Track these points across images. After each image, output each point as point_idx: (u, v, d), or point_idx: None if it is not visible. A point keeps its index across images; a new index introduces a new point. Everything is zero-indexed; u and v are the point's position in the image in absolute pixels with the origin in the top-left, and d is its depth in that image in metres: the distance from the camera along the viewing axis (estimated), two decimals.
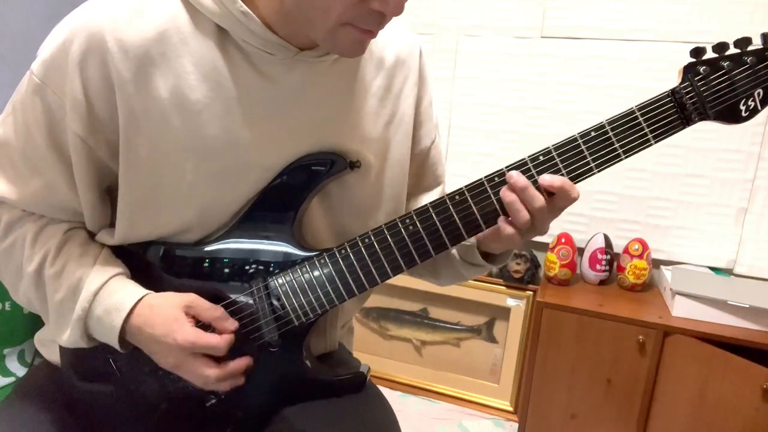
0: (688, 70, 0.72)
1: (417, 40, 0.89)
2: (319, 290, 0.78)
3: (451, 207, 0.76)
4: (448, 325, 2.20)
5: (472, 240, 0.82)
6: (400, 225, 0.77)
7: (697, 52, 0.72)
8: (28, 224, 0.79)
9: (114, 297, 0.75)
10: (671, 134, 0.73)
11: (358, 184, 0.83)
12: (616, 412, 1.78)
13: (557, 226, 2.05)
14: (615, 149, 0.73)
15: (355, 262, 0.78)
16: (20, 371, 1.08)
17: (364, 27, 0.68)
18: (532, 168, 0.74)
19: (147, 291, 0.77)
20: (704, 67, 0.72)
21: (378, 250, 0.77)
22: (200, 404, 0.81)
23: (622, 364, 1.74)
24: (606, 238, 1.95)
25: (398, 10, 0.67)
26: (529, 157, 0.74)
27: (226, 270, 0.79)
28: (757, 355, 1.55)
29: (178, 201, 0.76)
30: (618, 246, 1.96)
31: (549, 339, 1.82)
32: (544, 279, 2.01)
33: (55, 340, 0.86)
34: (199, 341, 0.72)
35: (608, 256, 1.94)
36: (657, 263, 1.96)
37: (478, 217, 0.76)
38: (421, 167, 0.93)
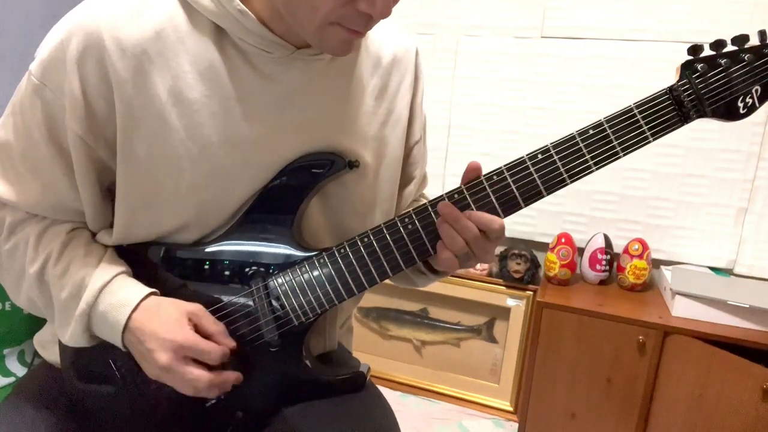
0: (686, 68, 0.72)
1: (413, 41, 0.90)
2: (318, 290, 0.78)
3: (452, 204, 0.76)
4: (448, 325, 2.20)
5: None
6: (399, 224, 0.77)
7: (694, 49, 0.72)
8: (30, 226, 0.79)
9: (119, 293, 0.75)
10: (669, 132, 0.73)
11: (357, 184, 0.83)
12: (616, 412, 1.78)
13: (557, 226, 2.05)
14: (613, 147, 0.73)
15: (354, 262, 0.78)
16: (20, 371, 1.08)
17: (351, 27, 0.68)
18: (508, 177, 0.75)
19: (152, 289, 0.77)
20: (702, 65, 0.72)
21: (377, 249, 0.77)
22: (200, 404, 0.81)
23: (622, 364, 1.74)
24: (606, 238, 1.95)
25: (385, 12, 0.67)
26: (527, 155, 0.74)
27: (226, 270, 0.79)
28: (757, 355, 1.55)
29: (177, 199, 0.76)
30: (618, 246, 1.96)
31: (549, 339, 1.82)
32: (544, 279, 2.01)
33: (55, 341, 0.86)
34: (197, 344, 0.73)
35: (608, 256, 1.94)
36: (657, 263, 1.96)
37: None
38: (402, 164, 0.93)
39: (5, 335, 1.06)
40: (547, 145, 0.74)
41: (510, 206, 0.75)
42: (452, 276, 2.10)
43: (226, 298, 0.78)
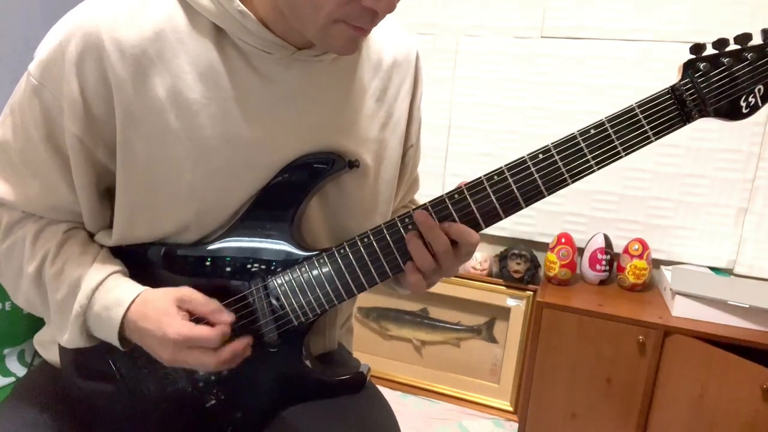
0: (688, 67, 0.72)
1: (414, 43, 0.89)
2: (318, 290, 0.78)
3: (450, 206, 0.76)
4: (448, 325, 2.20)
5: None
6: (399, 224, 0.77)
7: (697, 48, 0.72)
8: (28, 225, 0.79)
9: (112, 293, 0.75)
10: (671, 131, 0.73)
11: (357, 186, 0.83)
12: (616, 412, 1.78)
13: (557, 226, 2.05)
14: (615, 147, 0.73)
15: (354, 262, 0.78)
16: (20, 371, 1.08)
17: (356, 24, 0.68)
18: (509, 177, 0.74)
19: (144, 287, 0.76)
20: (704, 64, 0.72)
21: (377, 249, 0.77)
22: (200, 405, 0.81)
23: (622, 364, 1.74)
24: (606, 238, 1.95)
25: (390, 7, 0.66)
26: (528, 155, 0.74)
27: (226, 270, 0.79)
28: (757, 355, 1.55)
29: (176, 201, 0.76)
30: (618, 246, 1.96)
31: (549, 339, 1.82)
32: (544, 279, 2.01)
33: (55, 341, 0.86)
34: (190, 334, 0.70)
35: (608, 256, 1.94)
36: (657, 263, 1.96)
37: (478, 215, 0.75)
38: None
39: (5, 335, 1.06)
40: (548, 145, 0.74)
41: (511, 206, 0.75)
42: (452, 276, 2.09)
43: (225, 299, 0.78)
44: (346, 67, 0.81)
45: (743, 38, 0.71)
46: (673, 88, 0.72)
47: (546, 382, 1.85)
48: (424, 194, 1.04)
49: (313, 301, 0.78)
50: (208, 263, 0.79)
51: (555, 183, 0.74)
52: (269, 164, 0.78)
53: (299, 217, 0.81)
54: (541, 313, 1.82)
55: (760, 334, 1.62)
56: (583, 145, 0.73)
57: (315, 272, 0.78)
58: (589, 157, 0.73)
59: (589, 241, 1.97)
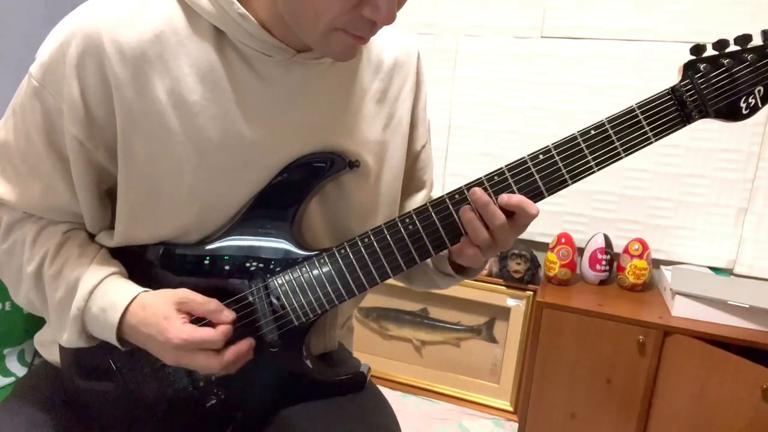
0: (689, 68, 0.72)
1: (415, 43, 0.89)
2: (318, 290, 0.78)
3: (450, 206, 0.76)
4: (448, 325, 2.20)
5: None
6: (400, 224, 0.77)
7: (697, 49, 0.72)
8: (27, 225, 0.79)
9: (109, 296, 0.75)
10: (671, 132, 0.73)
11: (357, 187, 0.83)
12: (616, 412, 1.78)
13: (557, 226, 2.05)
14: (615, 147, 0.73)
15: (354, 262, 0.78)
16: (20, 371, 1.08)
17: (356, 33, 0.68)
18: (509, 177, 0.74)
19: (142, 289, 0.76)
20: (704, 65, 0.72)
21: (378, 249, 0.77)
22: (200, 404, 0.81)
23: (622, 364, 1.74)
24: (606, 238, 1.95)
25: (390, 18, 0.66)
26: (528, 156, 0.74)
27: (226, 269, 0.79)
28: (757, 355, 1.55)
29: (177, 203, 0.76)
30: (618, 246, 1.96)
31: (549, 339, 1.82)
32: (544, 279, 2.01)
33: (55, 341, 0.86)
34: (192, 338, 0.71)
35: (608, 256, 1.94)
36: (657, 263, 1.96)
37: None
38: (410, 170, 0.93)
39: (5, 335, 1.06)
40: (548, 146, 0.74)
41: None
42: None
43: (225, 298, 0.78)
44: (347, 69, 0.81)
45: (743, 39, 0.71)
46: (673, 89, 0.72)
47: (546, 382, 1.85)
48: None
49: (313, 301, 0.78)
50: (208, 263, 0.79)
51: (555, 183, 0.74)
52: (269, 166, 0.78)
53: (299, 217, 0.81)
54: (541, 313, 1.82)
55: (760, 334, 1.62)
56: (583, 145, 0.73)
57: (315, 272, 0.78)
58: (590, 157, 0.73)
59: (589, 241, 1.97)
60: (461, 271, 0.86)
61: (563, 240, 1.95)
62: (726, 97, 0.72)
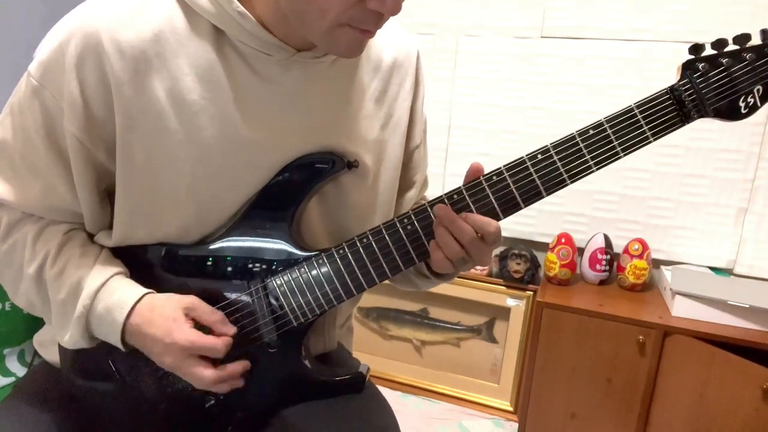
0: (687, 67, 0.72)
1: (415, 43, 0.89)
2: (317, 290, 0.78)
3: (450, 206, 0.76)
4: (448, 325, 2.20)
5: None
6: (398, 225, 0.77)
7: (695, 48, 0.72)
8: (28, 226, 0.79)
9: (115, 295, 0.75)
10: (670, 131, 0.73)
11: (356, 187, 0.83)
12: (616, 412, 1.78)
13: (557, 226, 2.05)
14: (614, 147, 0.73)
15: (353, 262, 0.78)
16: (20, 371, 1.08)
17: (362, 27, 0.68)
18: (508, 177, 0.74)
19: (147, 290, 0.77)
20: (703, 64, 0.72)
21: (376, 250, 0.77)
22: (200, 405, 0.81)
23: (622, 364, 1.74)
24: (606, 238, 1.95)
25: (396, 9, 0.66)
26: (527, 155, 0.74)
27: (225, 269, 0.79)
28: (757, 355, 1.55)
29: (176, 202, 0.76)
30: (618, 246, 1.96)
31: (549, 339, 1.82)
32: (544, 279, 2.01)
33: (55, 341, 0.86)
34: (197, 342, 0.72)
35: (608, 256, 1.94)
36: (657, 263, 1.96)
37: None
38: (403, 169, 0.92)
39: (5, 335, 1.06)
40: (546, 146, 0.74)
41: (509, 207, 0.75)
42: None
43: (224, 299, 0.78)
44: (346, 69, 0.81)
45: (742, 39, 0.71)
46: (671, 89, 0.72)
47: (546, 382, 1.85)
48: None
49: (312, 301, 0.78)
50: (207, 263, 0.79)
51: (554, 183, 0.74)
52: (268, 165, 0.78)
53: (298, 217, 0.81)
54: (541, 313, 1.82)
55: (760, 334, 1.62)
56: (582, 145, 0.73)
57: (314, 272, 0.78)
58: (588, 157, 0.73)
59: (589, 241, 1.97)
60: (438, 274, 0.86)
61: (563, 240, 1.95)
62: (725, 96, 0.71)
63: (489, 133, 2.09)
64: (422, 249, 0.77)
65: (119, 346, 0.75)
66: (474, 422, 2.07)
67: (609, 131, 0.72)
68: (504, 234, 2.10)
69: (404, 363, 2.27)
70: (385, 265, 0.77)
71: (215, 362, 0.75)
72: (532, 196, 0.75)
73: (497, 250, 2.11)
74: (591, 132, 0.73)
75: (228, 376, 0.75)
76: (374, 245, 0.77)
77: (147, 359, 0.76)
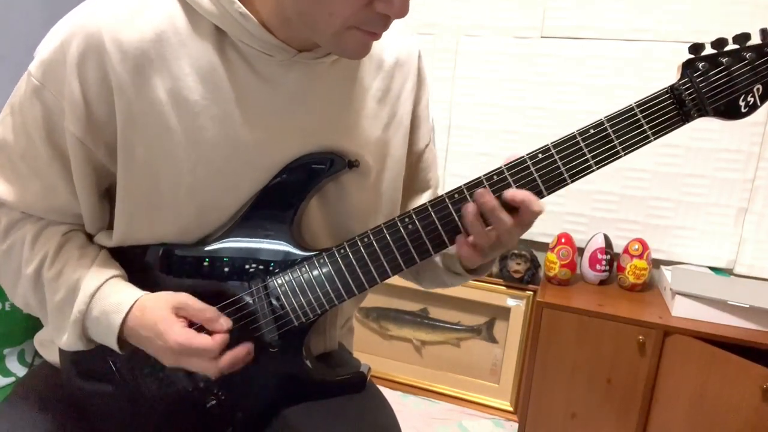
0: (687, 66, 0.72)
1: (416, 42, 0.89)
2: (318, 290, 0.78)
3: (450, 206, 0.76)
4: (448, 325, 2.20)
5: (453, 250, 0.81)
6: (399, 224, 0.77)
7: (695, 48, 0.72)
8: (27, 226, 0.79)
9: (111, 299, 0.75)
10: (670, 131, 0.73)
11: (357, 186, 0.83)
12: (616, 412, 1.78)
13: (557, 226, 2.05)
14: (614, 146, 0.73)
15: (354, 262, 0.78)
16: (20, 371, 1.08)
17: (370, 29, 0.68)
18: (509, 177, 0.74)
19: (143, 292, 0.76)
20: (703, 63, 0.72)
21: (377, 249, 0.77)
22: (200, 405, 0.81)
23: (622, 364, 1.74)
24: (606, 238, 1.95)
25: (403, 11, 0.66)
26: (528, 155, 0.74)
27: (226, 270, 0.79)
28: (757, 355, 1.55)
29: (176, 202, 0.76)
30: (618, 246, 1.96)
31: (549, 339, 1.82)
32: (544, 279, 2.01)
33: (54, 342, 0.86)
34: (189, 343, 0.71)
35: (608, 256, 1.94)
36: (657, 263, 1.96)
37: None
38: (413, 170, 0.93)
39: (5, 335, 1.06)
40: (547, 145, 0.74)
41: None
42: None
43: (225, 299, 0.78)
44: (348, 69, 0.81)
45: (742, 38, 0.71)
46: (672, 88, 0.72)
47: (546, 382, 1.85)
48: None
49: (313, 301, 0.78)
50: (207, 264, 0.79)
51: (554, 182, 0.74)
52: (269, 166, 0.78)
53: (299, 217, 0.81)
54: (541, 313, 1.82)
55: (760, 334, 1.62)
56: (582, 144, 0.73)
57: (315, 272, 0.78)
58: (589, 156, 0.73)
59: (589, 241, 1.97)
60: (471, 269, 0.85)
61: (563, 240, 1.95)
62: (725, 95, 0.71)
63: (489, 133, 2.09)
64: (423, 248, 0.77)
65: (116, 348, 0.75)
66: (474, 422, 2.07)
67: (609, 130, 0.72)
68: None
69: (404, 363, 2.27)
70: (386, 264, 0.77)
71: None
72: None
73: None
74: (591, 131, 0.73)
75: (230, 363, 0.73)
76: (375, 245, 0.77)
77: (147, 359, 0.76)
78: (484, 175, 0.75)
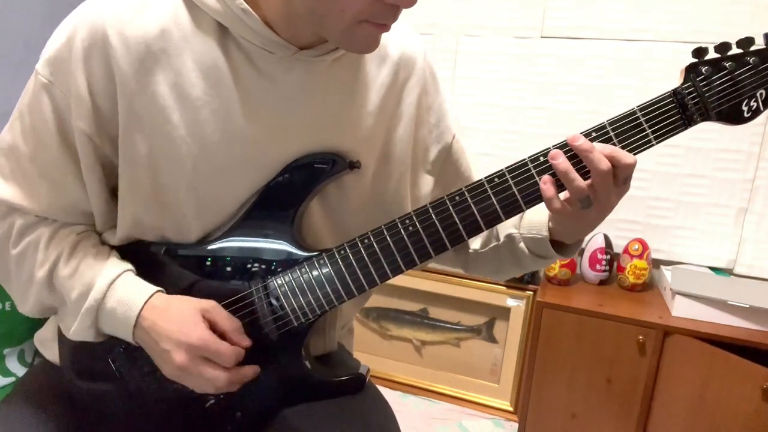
0: (690, 71, 0.72)
1: (420, 41, 0.89)
2: (318, 291, 0.78)
3: (450, 207, 0.76)
4: (448, 325, 2.20)
5: (544, 233, 0.81)
6: (400, 225, 0.77)
7: (699, 52, 0.72)
8: (41, 228, 0.79)
9: (128, 290, 0.75)
10: (673, 135, 0.73)
11: (357, 184, 0.83)
12: (616, 412, 1.78)
13: None
14: None
15: (354, 263, 0.78)
16: (20, 371, 1.08)
17: (380, 21, 0.68)
18: (510, 179, 0.74)
19: (158, 287, 0.77)
20: (706, 68, 0.71)
21: (377, 250, 0.77)
22: (199, 405, 0.81)
23: (622, 364, 1.74)
24: (606, 238, 1.95)
25: (412, 0, 0.66)
26: (529, 157, 0.74)
27: (226, 269, 0.79)
28: (757, 355, 1.55)
29: (177, 197, 0.77)
30: (618, 246, 1.96)
31: (549, 339, 1.82)
32: (544, 279, 2.01)
33: (55, 340, 0.86)
34: (212, 344, 0.72)
35: (608, 256, 1.94)
36: (657, 263, 1.96)
37: (478, 218, 0.76)
38: (446, 163, 0.91)
39: (5, 335, 1.06)
40: (549, 148, 0.74)
41: (511, 208, 0.75)
42: (452, 276, 2.10)
43: (225, 298, 0.78)
44: (349, 67, 0.81)
45: (745, 42, 0.71)
46: (675, 92, 0.72)
47: (546, 382, 1.85)
48: None
49: (312, 301, 0.78)
50: (208, 264, 0.79)
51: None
52: (270, 163, 0.78)
53: (300, 218, 0.81)
54: (541, 313, 1.82)
55: (760, 334, 1.62)
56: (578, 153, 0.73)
57: (315, 273, 0.78)
58: None
59: (589, 241, 1.97)
60: (561, 249, 0.84)
61: None
62: (728, 100, 0.71)
63: (489, 133, 2.09)
64: (424, 250, 0.77)
65: (129, 339, 0.75)
66: (474, 422, 2.07)
67: (611, 133, 0.72)
68: None
69: (404, 363, 2.27)
70: (386, 265, 0.77)
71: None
72: (534, 198, 0.75)
73: None
74: (594, 135, 0.73)
75: (240, 379, 0.75)
76: (375, 246, 0.77)
77: (147, 358, 0.76)
78: (485, 177, 0.75)
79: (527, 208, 0.75)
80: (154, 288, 0.76)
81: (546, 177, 0.73)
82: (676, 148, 1.88)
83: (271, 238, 0.79)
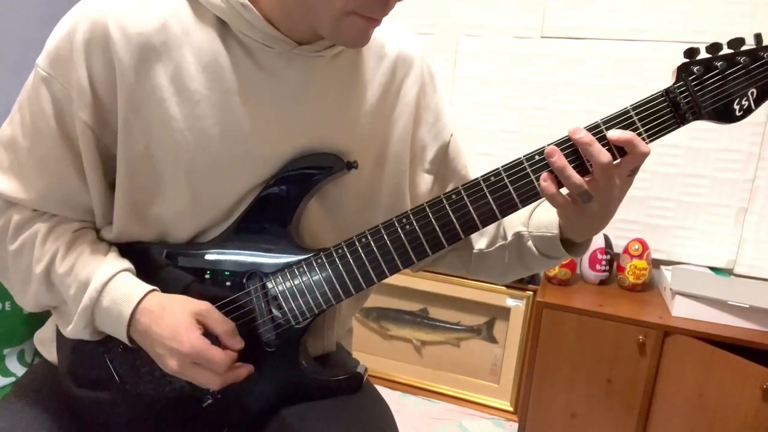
0: (682, 70, 0.72)
1: (418, 41, 0.89)
2: (316, 291, 0.78)
3: (447, 206, 0.76)
4: (448, 325, 2.20)
5: (554, 230, 0.81)
6: (397, 224, 0.77)
7: (690, 52, 0.72)
8: (38, 223, 0.79)
9: (122, 288, 0.75)
10: (665, 133, 0.73)
11: (355, 182, 0.83)
12: (616, 412, 1.78)
13: None
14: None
15: (351, 262, 0.78)
16: (20, 371, 1.08)
17: (369, 14, 0.68)
18: (505, 178, 0.74)
19: (153, 287, 0.77)
20: (698, 67, 0.72)
21: (375, 249, 0.77)
22: (197, 405, 0.81)
23: (622, 364, 1.74)
24: (606, 238, 1.95)
25: None
26: (524, 156, 0.74)
27: (224, 271, 0.79)
28: (757, 355, 1.55)
29: (174, 191, 0.77)
30: (618, 246, 1.96)
31: (549, 339, 1.82)
32: (544, 279, 2.01)
33: (54, 339, 0.86)
34: (204, 352, 0.72)
35: (608, 256, 1.94)
36: (657, 263, 1.96)
37: (474, 216, 0.76)
38: (443, 161, 0.91)
39: (5, 335, 1.06)
40: (544, 146, 0.74)
41: (507, 207, 0.75)
42: (452, 276, 2.10)
43: (223, 299, 0.78)
44: (348, 64, 0.81)
45: (736, 42, 0.71)
46: (667, 91, 0.72)
47: (546, 382, 1.85)
48: None
49: (310, 301, 0.79)
50: (206, 264, 0.79)
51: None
52: (267, 158, 0.78)
53: (298, 218, 0.81)
54: (541, 313, 1.82)
55: (760, 334, 1.62)
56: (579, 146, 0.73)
57: (313, 273, 0.79)
58: (584, 158, 0.73)
59: None
60: (571, 248, 0.83)
61: None
62: (719, 99, 0.72)
63: (489, 133, 2.09)
64: (420, 249, 0.77)
65: (124, 340, 0.76)
66: (474, 422, 2.07)
67: (605, 132, 0.72)
68: None
69: (404, 363, 2.27)
70: (383, 264, 0.78)
71: None
72: (530, 197, 0.75)
73: None
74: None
75: (234, 380, 0.76)
76: (373, 245, 0.77)
77: (144, 358, 0.77)
78: (481, 177, 0.75)
79: (523, 206, 0.75)
80: (147, 288, 0.76)
81: (545, 174, 0.73)
82: (676, 148, 1.88)
83: (270, 239, 0.79)
